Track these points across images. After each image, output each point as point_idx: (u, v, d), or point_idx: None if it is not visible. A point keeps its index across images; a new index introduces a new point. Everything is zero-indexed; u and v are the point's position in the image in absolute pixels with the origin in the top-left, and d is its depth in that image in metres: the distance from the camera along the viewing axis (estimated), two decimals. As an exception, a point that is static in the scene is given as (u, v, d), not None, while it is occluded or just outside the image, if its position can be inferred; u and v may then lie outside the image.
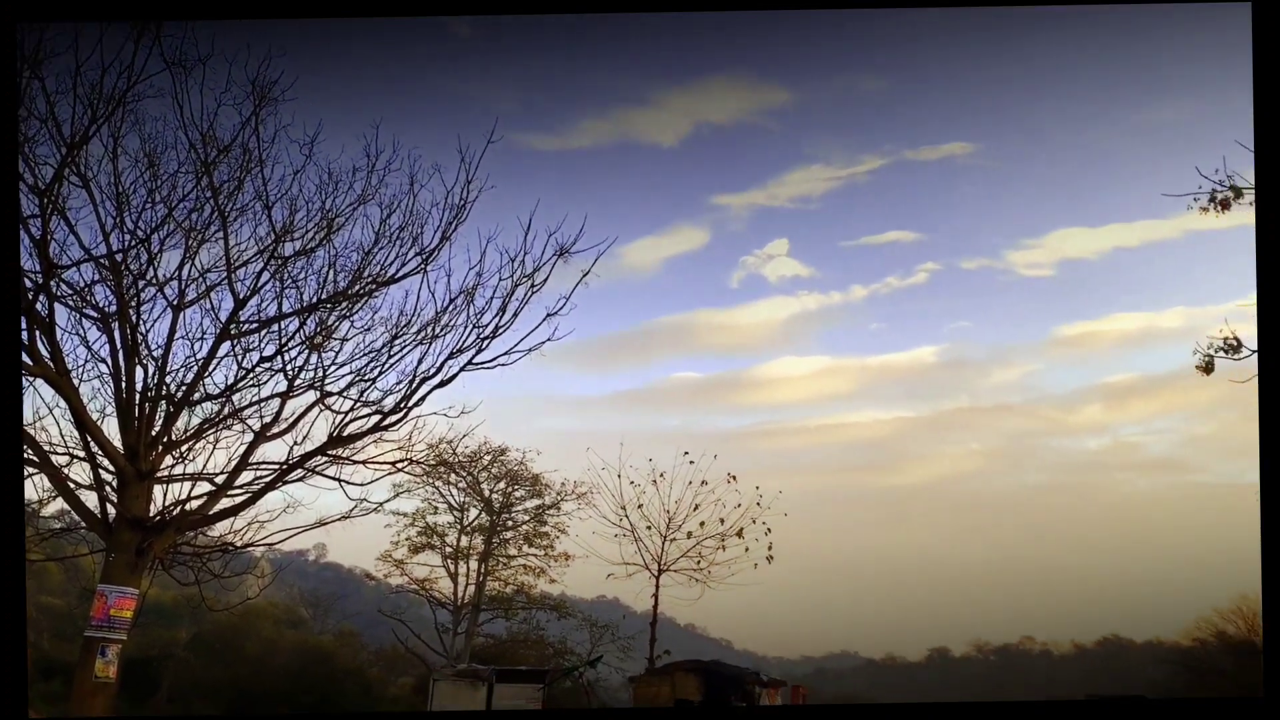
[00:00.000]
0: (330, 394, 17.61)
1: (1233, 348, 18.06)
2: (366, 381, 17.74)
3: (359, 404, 17.67)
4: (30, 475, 15.66)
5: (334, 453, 17.63)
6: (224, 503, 17.11)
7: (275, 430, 17.42)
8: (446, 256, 17.83)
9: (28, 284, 14.90)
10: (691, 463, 32.93)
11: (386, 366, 17.78)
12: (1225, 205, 17.63)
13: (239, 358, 17.30)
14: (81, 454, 16.28)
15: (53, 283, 15.64)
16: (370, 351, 17.82)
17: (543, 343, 17.78)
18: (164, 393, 16.80)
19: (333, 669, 45.96)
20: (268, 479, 17.36)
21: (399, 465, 18.90)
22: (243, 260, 17.21)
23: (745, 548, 32.30)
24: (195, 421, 17.37)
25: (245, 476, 17.29)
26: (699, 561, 32.69)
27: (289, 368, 17.40)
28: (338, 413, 17.57)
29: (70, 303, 16.33)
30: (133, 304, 16.54)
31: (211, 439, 17.53)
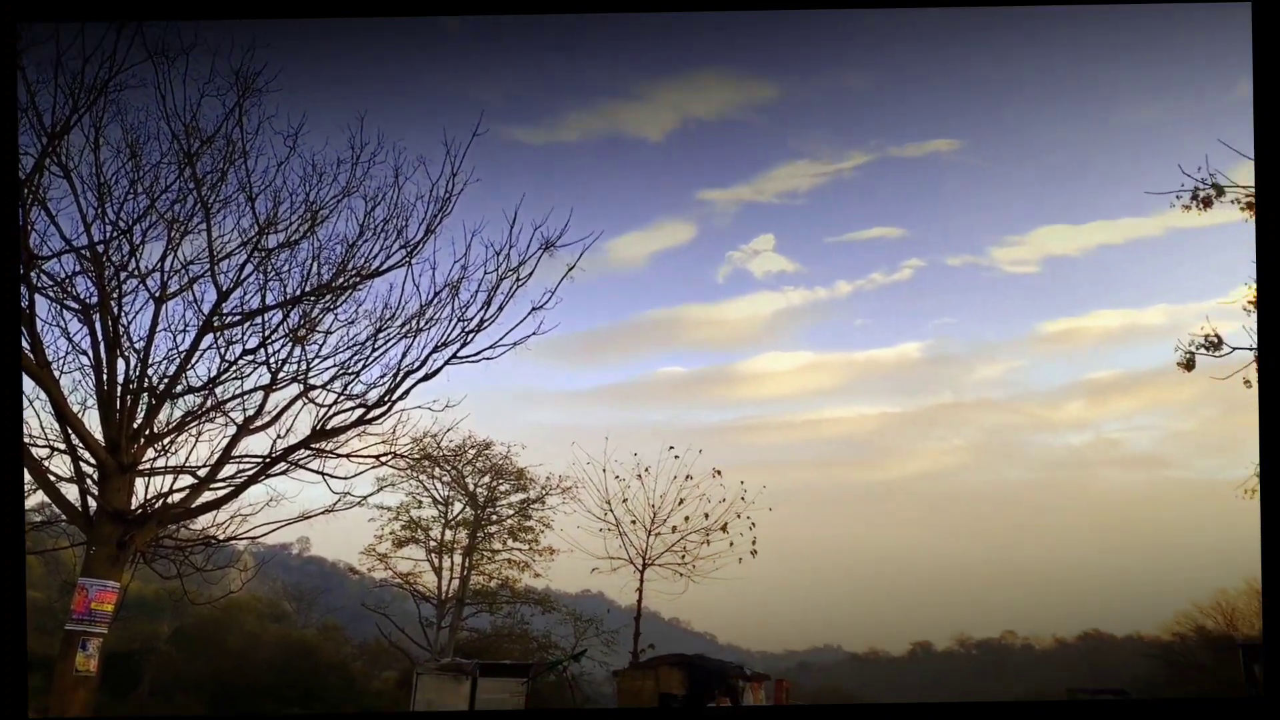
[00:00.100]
0: (314, 387, 17.53)
1: (1214, 345, 18.21)
2: (350, 375, 17.67)
3: (343, 397, 17.59)
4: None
5: (317, 446, 17.54)
6: (206, 496, 17.01)
7: (258, 423, 17.32)
8: (431, 249, 17.77)
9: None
10: (676, 457, 33.07)
11: (370, 360, 17.72)
12: (1207, 203, 17.77)
13: (222, 350, 17.20)
14: (62, 446, 16.16)
15: (33, 274, 15.51)
16: (354, 344, 17.74)
17: (528, 337, 17.73)
18: (146, 385, 16.68)
19: (316, 663, 45.91)
20: (250, 472, 17.27)
21: (383, 459, 18.81)
22: (226, 252, 17.09)
23: (730, 542, 32.45)
24: (177, 414, 17.27)
25: (228, 470, 17.18)
26: (683, 556, 32.81)
27: (272, 360, 17.31)
28: (321, 406, 17.49)
29: (51, 294, 16.20)
30: (114, 295, 16.41)
31: (194, 432, 17.43)
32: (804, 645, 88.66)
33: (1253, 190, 17.31)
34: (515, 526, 42.29)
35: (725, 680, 28.92)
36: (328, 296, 17.57)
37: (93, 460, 16.01)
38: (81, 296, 16.49)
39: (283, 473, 17.60)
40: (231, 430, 17.31)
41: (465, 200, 17.74)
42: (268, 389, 17.39)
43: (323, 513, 18.58)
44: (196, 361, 17.06)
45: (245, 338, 17.34)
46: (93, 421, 16.16)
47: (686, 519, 32.91)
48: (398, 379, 17.51)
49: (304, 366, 17.51)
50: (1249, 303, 17.83)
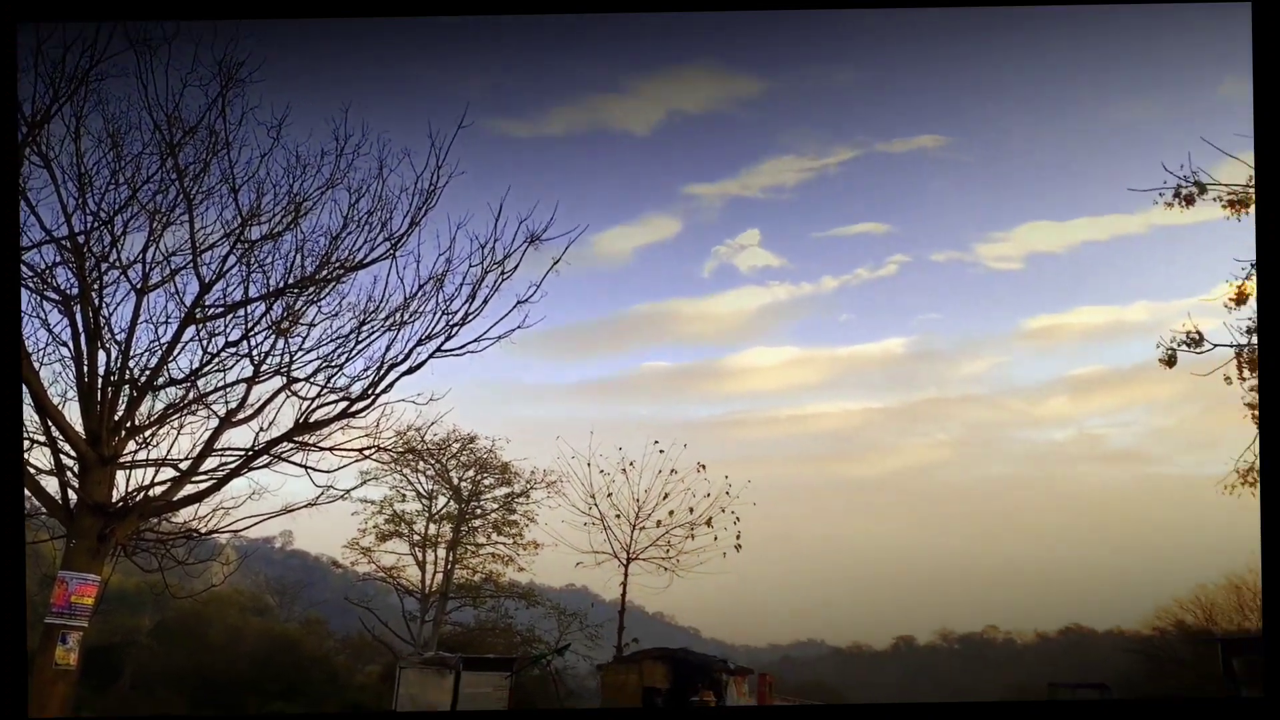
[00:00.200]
0: (297, 380, 17.44)
1: (1194, 341, 18.37)
2: (334, 368, 17.59)
3: (326, 390, 17.52)
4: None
5: (300, 439, 17.48)
6: (188, 489, 16.90)
7: (241, 416, 17.24)
8: (416, 242, 17.69)
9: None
10: (661, 452, 33.15)
11: (354, 353, 17.64)
12: (1190, 200, 17.91)
13: (204, 342, 17.10)
14: (42, 438, 16.01)
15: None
16: (338, 337, 17.67)
17: (513, 330, 17.67)
18: (127, 377, 16.56)
19: (299, 657, 45.78)
20: (233, 465, 17.18)
21: (366, 452, 18.77)
22: (208, 244, 16.97)
23: (714, 536, 32.58)
24: (159, 406, 17.17)
25: (210, 462, 17.10)
26: (668, 550, 32.91)
27: (255, 353, 17.22)
28: (304, 399, 17.42)
29: (31, 285, 16.05)
30: (95, 287, 16.28)
31: (175, 424, 17.34)
32: (787, 639, 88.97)
33: (1234, 188, 17.47)
34: (499, 520, 42.29)
35: (709, 674, 29.00)
36: (311, 289, 17.49)
37: (73, 453, 15.89)
38: (62, 287, 16.37)
39: (265, 466, 17.56)
40: (214, 423, 17.23)
41: (450, 193, 17.68)
42: (250, 381, 17.30)
43: (306, 506, 18.55)
44: (178, 353, 16.98)
45: (228, 330, 17.27)
46: (73, 414, 16.05)
47: (671, 513, 33.02)
48: (381, 372, 17.45)
49: (287, 359, 17.43)
50: (1230, 300, 17.99)
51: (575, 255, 17.78)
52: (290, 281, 17.23)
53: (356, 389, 17.50)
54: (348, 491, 19.56)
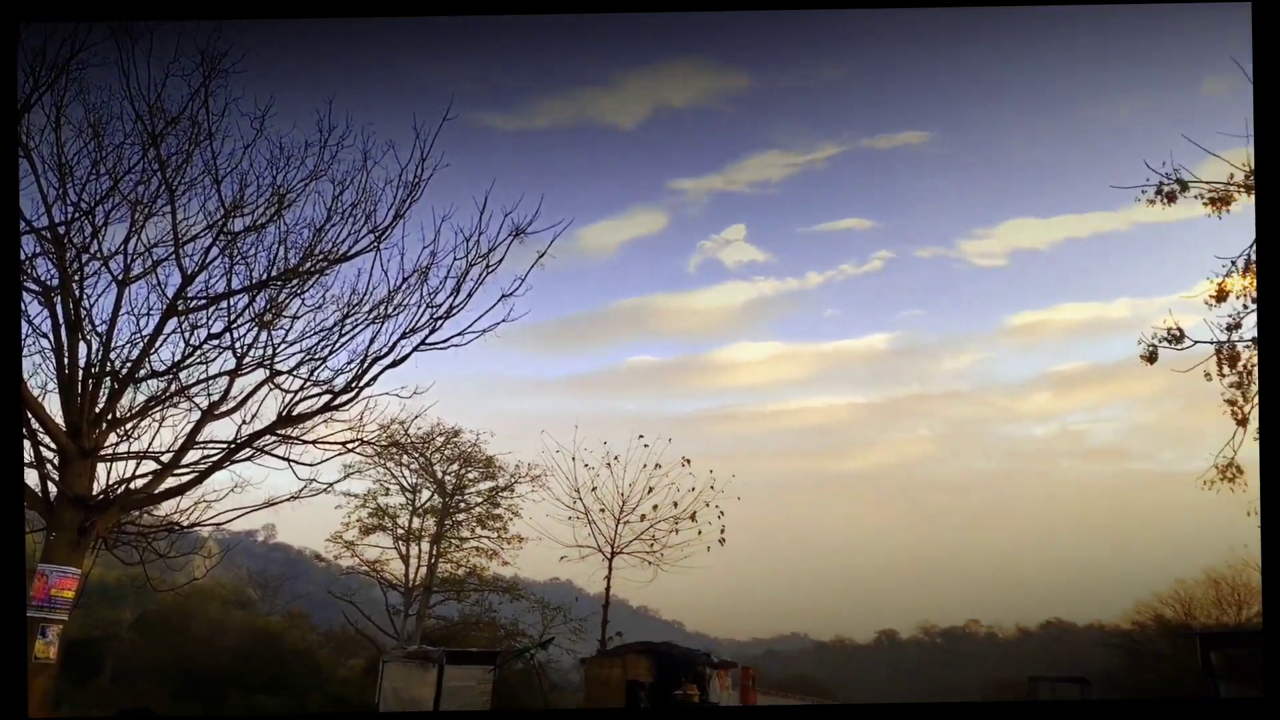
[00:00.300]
0: (280, 372, 17.39)
1: (1175, 338, 18.52)
2: (317, 360, 17.55)
3: (309, 383, 17.47)
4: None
5: (283, 432, 17.41)
6: (170, 482, 16.85)
7: (223, 409, 17.17)
8: (400, 235, 17.67)
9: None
10: (646, 446, 33.09)
11: (338, 345, 17.61)
12: (1171, 198, 18.04)
13: (186, 334, 17.01)
14: (22, 431, 15.91)
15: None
16: (321, 330, 17.63)
17: (497, 324, 17.69)
18: (108, 369, 16.47)
19: (281, 650, 45.65)
20: (215, 458, 17.12)
21: (350, 446, 18.73)
22: (191, 235, 16.89)
23: (698, 531, 32.55)
24: (140, 399, 17.09)
25: (192, 455, 17.03)
26: (652, 544, 32.89)
27: (238, 345, 17.15)
28: (287, 391, 17.37)
29: (11, 275, 15.91)
30: (76, 278, 16.18)
31: (157, 417, 17.26)
32: (771, 633, 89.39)
33: (1215, 185, 17.61)
34: (484, 514, 42.18)
35: (692, 668, 29.04)
36: (294, 281, 17.42)
37: (53, 445, 15.80)
38: (42, 278, 16.25)
39: (248, 459, 17.49)
40: (196, 415, 17.18)
41: (435, 186, 17.65)
42: (233, 374, 17.24)
43: (288, 499, 18.50)
44: (160, 346, 16.91)
45: (210, 322, 17.20)
46: (53, 406, 15.96)
47: (655, 508, 33.00)
48: (365, 365, 17.42)
49: (270, 352, 17.38)
50: (1210, 297, 18.15)
51: (560, 249, 17.80)
52: (273, 274, 17.16)
53: (340, 382, 17.50)
54: (331, 485, 19.48)
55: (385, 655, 28.71)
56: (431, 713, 24.72)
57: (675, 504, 32.83)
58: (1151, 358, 18.83)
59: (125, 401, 16.83)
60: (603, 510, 33.19)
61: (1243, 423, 18.03)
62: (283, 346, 17.46)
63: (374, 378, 17.44)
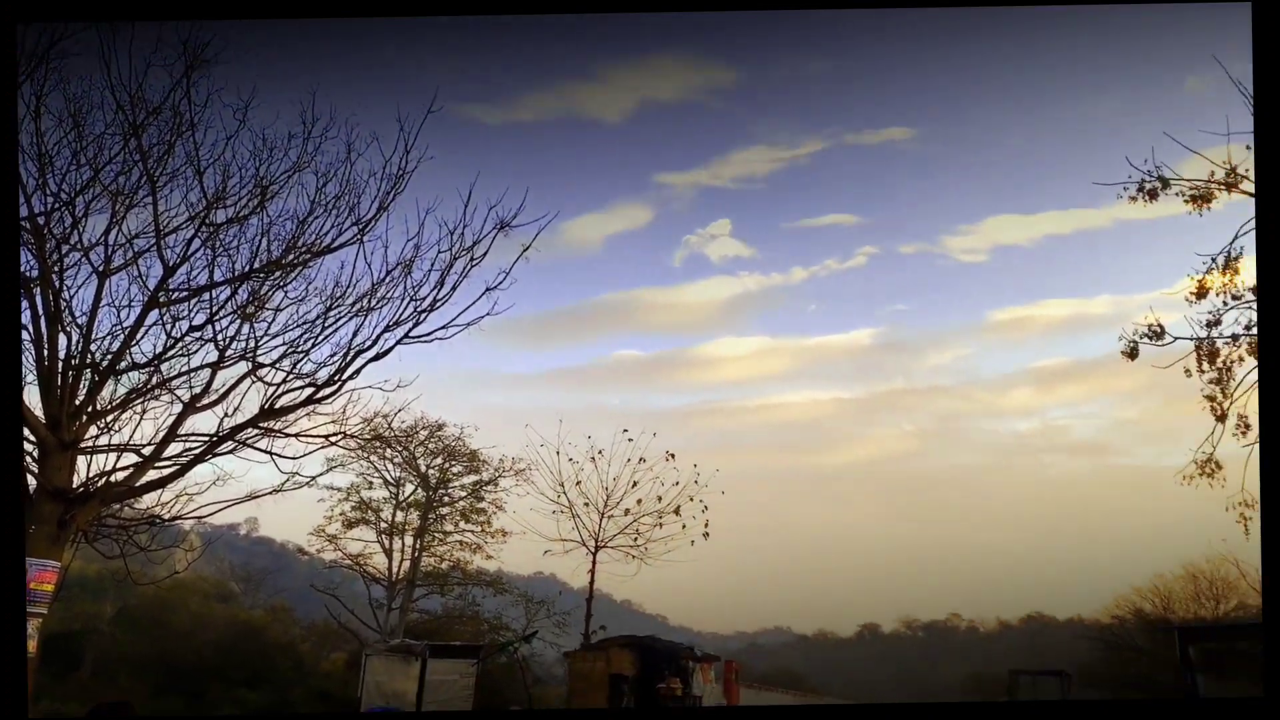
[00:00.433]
0: (262, 365, 17.30)
1: (1156, 334, 18.70)
2: (300, 353, 17.46)
3: (292, 376, 17.39)
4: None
5: (265, 425, 17.34)
6: (151, 475, 16.73)
7: (205, 401, 17.06)
8: (384, 227, 17.58)
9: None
10: (630, 440, 33.18)
11: (321, 338, 17.52)
12: (1153, 195, 18.20)
13: (168, 326, 16.89)
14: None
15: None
16: (304, 322, 17.53)
17: (481, 317, 17.64)
18: (88, 361, 16.34)
19: (264, 644, 45.51)
20: (197, 451, 17.02)
21: (332, 439, 18.65)
22: (172, 226, 16.76)
23: (682, 525, 32.67)
24: (121, 391, 16.95)
25: (173, 448, 16.92)
26: (636, 538, 32.98)
27: (220, 337, 17.05)
28: (270, 384, 17.28)
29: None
30: (56, 269, 16.04)
31: (138, 409, 17.13)
32: (754, 627, 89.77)
33: (1196, 183, 17.76)
34: (467, 508, 42.14)
35: (676, 661, 29.13)
36: (277, 273, 17.33)
37: (33, 437, 15.67)
38: (21, 269, 16.08)
39: (230, 452, 17.41)
40: (177, 408, 17.06)
41: (419, 178, 17.56)
42: (215, 366, 17.12)
43: (271, 493, 18.44)
44: (141, 338, 16.77)
45: (192, 314, 17.07)
46: (33, 398, 15.81)
47: (639, 502, 33.10)
48: (348, 358, 17.35)
49: (252, 344, 17.29)
50: (1190, 294, 18.32)
51: (545, 243, 17.74)
52: (256, 266, 17.06)
53: (323, 375, 17.41)
54: (314, 478, 19.47)
55: (368, 649, 28.68)
56: (415, 713, 24.70)
57: (659, 498, 32.96)
58: (1132, 354, 19.01)
59: (106, 394, 16.71)
60: (587, 504, 33.27)
61: (1222, 418, 18.22)
62: (265, 339, 17.39)
63: (357, 371, 17.38)
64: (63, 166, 15.82)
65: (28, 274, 16.03)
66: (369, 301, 17.48)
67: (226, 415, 17.15)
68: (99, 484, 16.23)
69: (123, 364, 16.69)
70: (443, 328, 17.60)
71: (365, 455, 38.53)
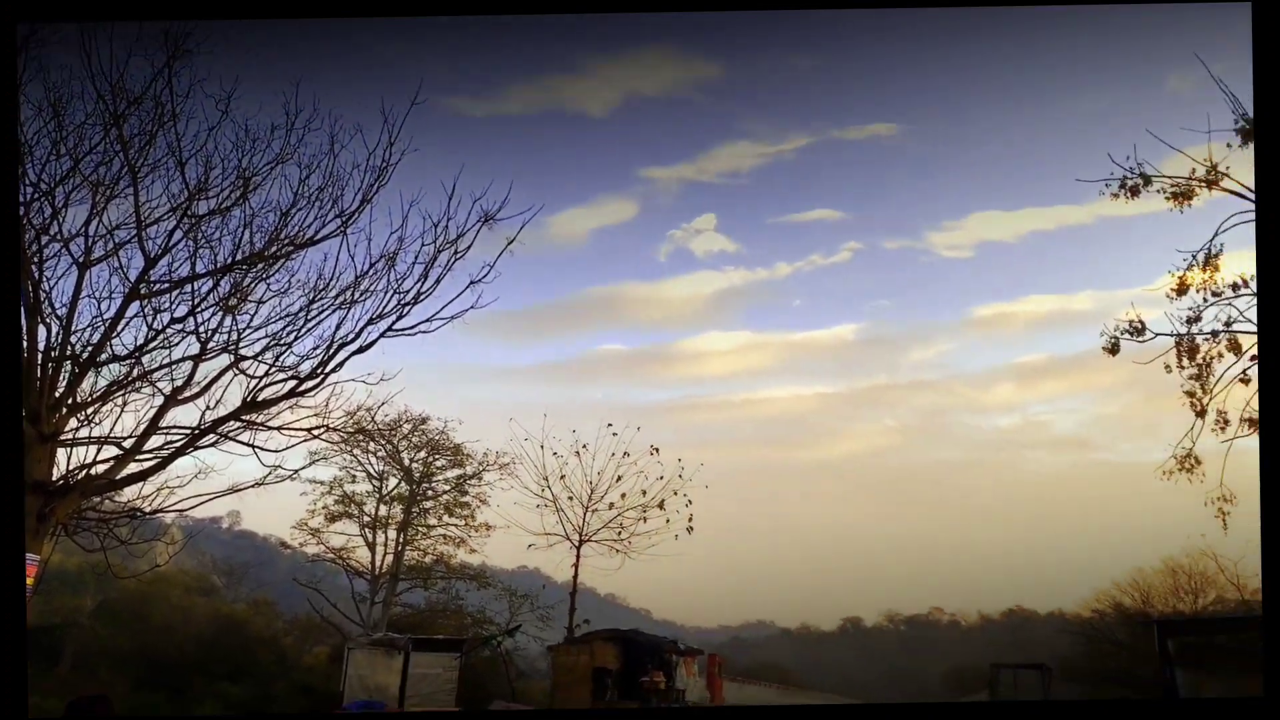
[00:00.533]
0: (245, 358, 17.24)
1: (1137, 330, 18.88)
2: (282, 346, 17.42)
3: (274, 368, 17.34)
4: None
5: (248, 418, 17.28)
6: (132, 467, 16.65)
7: (187, 394, 16.98)
8: (367, 220, 17.55)
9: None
10: (615, 435, 33.23)
11: (303, 331, 17.48)
12: (1135, 192, 18.35)
13: (149, 318, 16.79)
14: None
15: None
16: (287, 315, 17.49)
17: (465, 311, 17.63)
18: (69, 353, 16.22)
19: (246, 638, 45.27)
20: (178, 444, 16.94)
21: (315, 432, 18.63)
22: (154, 218, 16.66)
23: (666, 519, 32.77)
24: (102, 383, 16.85)
25: (155, 441, 16.84)
26: (620, 532, 33.05)
27: (202, 330, 16.97)
28: (252, 377, 17.22)
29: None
30: (35, 260, 15.90)
31: (119, 401, 17.03)
32: (737, 621, 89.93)
33: (1177, 180, 17.91)
34: (451, 502, 42.08)
35: (659, 655, 29.22)
36: (260, 265, 17.26)
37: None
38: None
39: (212, 445, 17.34)
40: (159, 400, 16.97)
41: (403, 170, 17.52)
42: (197, 359, 17.05)
43: (253, 486, 18.36)
44: (122, 329, 16.67)
45: (174, 306, 16.99)
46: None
47: (624, 496, 33.16)
48: (331, 351, 17.30)
49: (235, 336, 17.23)
50: (1171, 290, 18.50)
51: (530, 236, 17.75)
52: (239, 258, 16.98)
53: (305, 368, 17.37)
54: (296, 471, 19.41)
55: (351, 642, 28.60)
56: (395, 713, 24.66)
57: (644, 492, 33.04)
58: (1114, 349, 19.19)
59: (86, 386, 16.61)
60: (571, 498, 33.31)
61: (1201, 414, 18.42)
62: (248, 331, 17.33)
63: (340, 364, 17.35)
64: (42, 156, 15.71)
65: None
66: (352, 294, 17.46)
67: (208, 408, 17.12)
68: (79, 477, 16.14)
69: (103, 356, 16.60)
70: (426, 321, 17.62)
71: (348, 449, 38.45)
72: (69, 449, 16.43)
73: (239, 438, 17.51)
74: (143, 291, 16.67)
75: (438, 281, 17.58)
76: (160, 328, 16.82)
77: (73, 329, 16.31)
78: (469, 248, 17.63)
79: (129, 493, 17.60)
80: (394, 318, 17.45)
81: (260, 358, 17.30)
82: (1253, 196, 17.10)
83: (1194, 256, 18.21)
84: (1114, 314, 19.35)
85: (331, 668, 36.40)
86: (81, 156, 15.93)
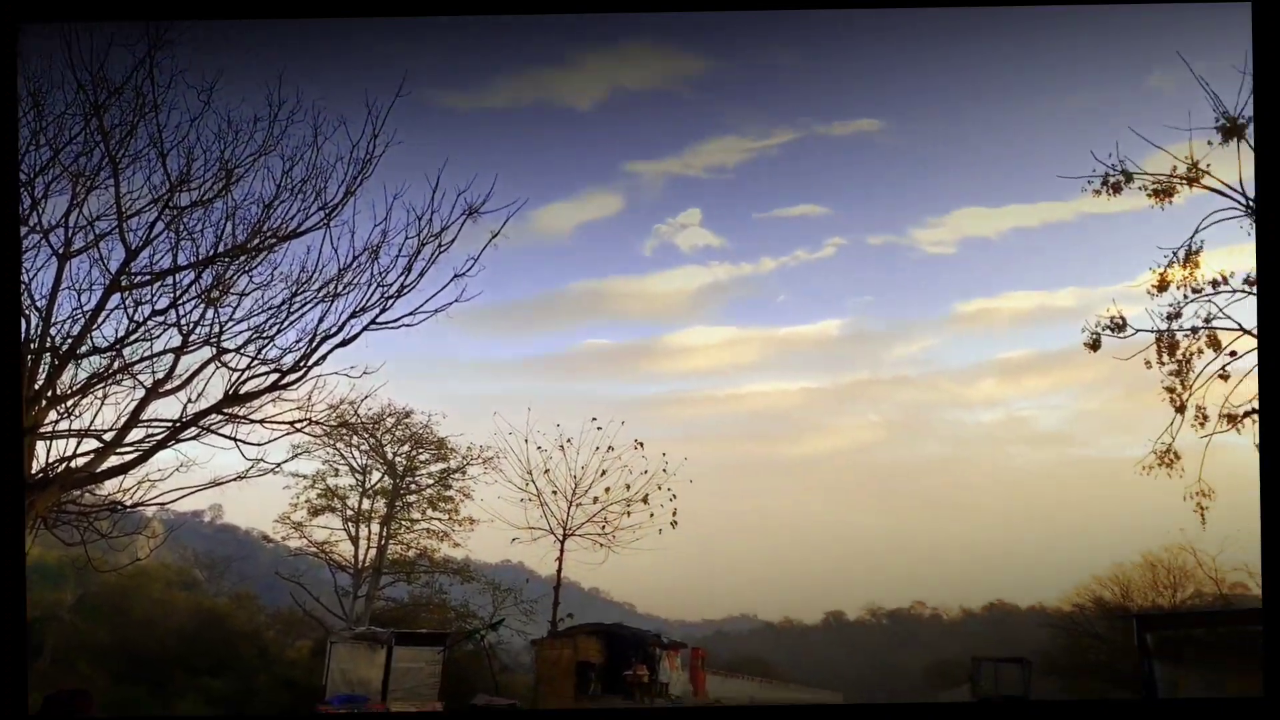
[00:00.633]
0: (227, 350, 17.17)
1: (1118, 327, 19.03)
2: (265, 338, 17.37)
3: (257, 361, 17.28)
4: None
5: (230, 411, 17.20)
6: (112, 460, 16.56)
7: (168, 387, 16.89)
8: (350, 212, 17.48)
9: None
10: (599, 429, 33.28)
11: (286, 324, 17.42)
12: (1117, 189, 18.48)
13: (130, 310, 16.70)
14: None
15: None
16: (269, 308, 17.43)
17: (449, 304, 17.61)
18: (48, 345, 16.10)
19: (228, 632, 45.05)
20: (159, 437, 16.86)
21: (298, 425, 18.56)
22: (135, 209, 16.55)
23: (650, 513, 32.86)
24: (82, 376, 16.74)
25: (135, 434, 16.75)
26: (604, 527, 33.13)
27: (183, 322, 16.90)
28: (234, 370, 17.15)
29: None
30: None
31: (100, 394, 16.92)
32: (720, 614, 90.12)
33: (1159, 177, 18.04)
34: (435, 496, 41.95)
35: (643, 648, 29.35)
36: (242, 258, 17.18)
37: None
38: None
39: (193, 438, 17.28)
40: (140, 393, 16.86)
41: (386, 163, 17.45)
42: (178, 351, 16.96)
43: (235, 479, 18.31)
44: (103, 322, 16.57)
45: (155, 298, 16.89)
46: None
47: (608, 490, 33.24)
48: (314, 344, 17.25)
49: (217, 329, 17.15)
50: (1152, 287, 18.64)
51: (514, 230, 17.70)
52: (221, 250, 16.88)
53: (288, 361, 17.31)
54: (279, 465, 19.36)
55: (333, 636, 28.56)
56: (375, 714, 24.61)
57: (628, 486, 33.10)
58: (1095, 345, 19.33)
59: (66, 378, 16.51)
60: (555, 492, 33.36)
61: (1181, 410, 18.59)
62: (230, 324, 17.27)
63: (323, 357, 17.30)
64: (21, 147, 15.51)
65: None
66: (335, 287, 17.40)
67: (190, 401, 17.04)
68: (59, 470, 16.03)
69: (83, 348, 16.48)
70: (410, 314, 17.58)
71: (331, 442, 38.28)
72: (49, 442, 16.34)
73: (221, 431, 17.45)
74: (123, 283, 16.56)
75: (421, 275, 17.56)
76: (141, 320, 16.75)
77: (52, 320, 16.22)
78: (453, 241, 17.62)
79: (110, 486, 17.54)
80: (377, 311, 17.42)
81: (242, 350, 17.25)
82: (1232, 194, 17.28)
83: (1175, 253, 18.36)
84: (1096, 310, 19.56)
85: (314, 662, 36.31)
86: (61, 147, 15.83)
